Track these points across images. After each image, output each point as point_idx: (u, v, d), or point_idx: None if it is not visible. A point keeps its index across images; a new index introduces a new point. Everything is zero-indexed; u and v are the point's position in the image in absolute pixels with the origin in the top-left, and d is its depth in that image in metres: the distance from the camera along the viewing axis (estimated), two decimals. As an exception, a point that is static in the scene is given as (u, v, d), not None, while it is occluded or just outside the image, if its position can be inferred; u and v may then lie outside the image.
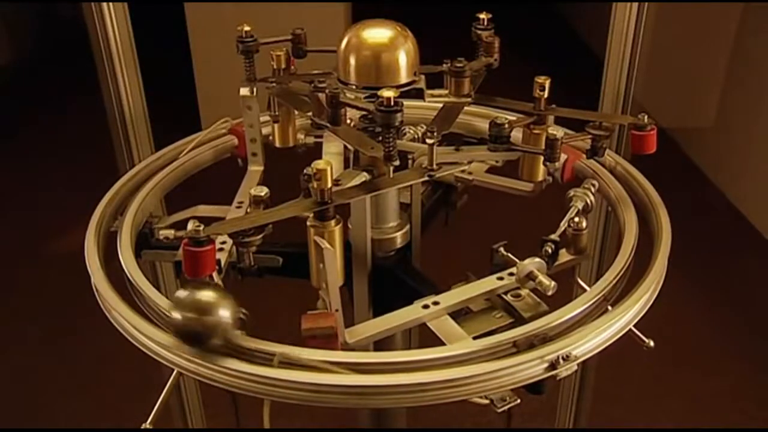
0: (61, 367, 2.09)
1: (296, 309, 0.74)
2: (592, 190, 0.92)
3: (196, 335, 0.69)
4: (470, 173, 1.02)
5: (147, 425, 0.73)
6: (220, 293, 0.69)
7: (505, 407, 0.73)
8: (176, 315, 0.69)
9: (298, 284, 0.84)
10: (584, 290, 0.81)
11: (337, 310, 0.73)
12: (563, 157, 0.94)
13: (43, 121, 3.28)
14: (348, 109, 0.85)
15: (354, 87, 0.87)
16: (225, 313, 0.69)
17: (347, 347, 0.74)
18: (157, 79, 1.61)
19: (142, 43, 1.22)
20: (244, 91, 1.00)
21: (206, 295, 0.69)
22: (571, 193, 0.92)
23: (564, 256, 0.87)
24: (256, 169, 1.06)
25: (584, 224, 0.87)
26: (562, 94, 0.94)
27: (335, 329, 0.71)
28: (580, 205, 0.90)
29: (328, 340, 0.71)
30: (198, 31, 2.95)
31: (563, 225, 0.87)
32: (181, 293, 0.69)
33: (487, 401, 0.74)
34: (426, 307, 0.79)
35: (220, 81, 2.29)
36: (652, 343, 0.83)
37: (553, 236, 0.86)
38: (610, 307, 0.80)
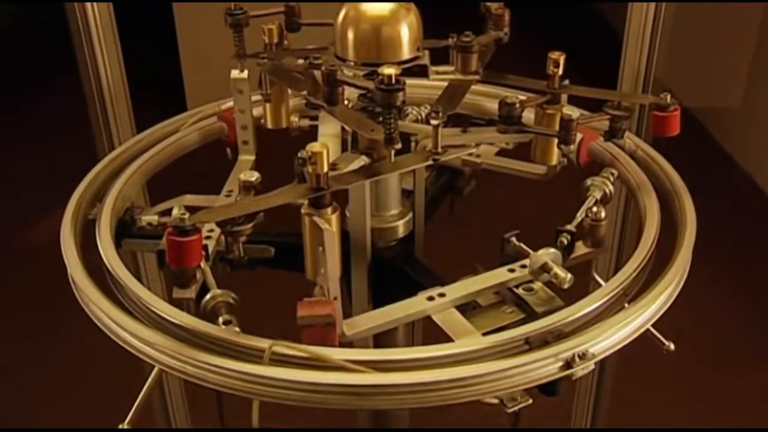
0: (38, 365, 2.10)
1: (289, 303, 0.74)
2: (611, 179, 0.92)
3: None
4: (478, 156, 1.02)
5: (125, 425, 0.73)
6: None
7: (516, 407, 0.73)
8: None
9: (291, 277, 0.84)
10: (600, 286, 0.81)
11: (335, 298, 0.73)
12: (578, 137, 0.94)
13: (17, 101, 3.28)
14: (346, 87, 0.85)
15: (352, 63, 0.87)
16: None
17: (345, 341, 0.74)
18: (139, 55, 1.61)
19: (122, 18, 1.22)
20: (234, 73, 1.00)
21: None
22: (589, 182, 0.91)
23: (580, 248, 0.87)
24: (247, 158, 1.06)
25: (603, 214, 0.86)
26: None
27: (333, 318, 0.71)
28: (598, 195, 0.90)
29: (325, 330, 0.71)
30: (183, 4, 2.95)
31: (580, 215, 0.87)
32: None
33: (496, 401, 0.74)
34: (431, 299, 0.79)
35: (208, 58, 2.29)
36: (672, 346, 0.83)
37: (569, 227, 0.86)
38: (626, 304, 0.80)
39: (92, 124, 1.24)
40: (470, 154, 1.01)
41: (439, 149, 0.81)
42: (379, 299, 0.91)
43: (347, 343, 0.75)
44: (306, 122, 1.05)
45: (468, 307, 0.80)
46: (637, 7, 1.18)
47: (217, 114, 1.09)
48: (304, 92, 0.87)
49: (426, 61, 0.89)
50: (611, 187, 0.91)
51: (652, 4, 1.17)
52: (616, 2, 1.29)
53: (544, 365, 0.71)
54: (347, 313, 0.78)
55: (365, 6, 0.86)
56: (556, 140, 0.87)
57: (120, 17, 1.20)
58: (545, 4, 3.62)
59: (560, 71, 0.91)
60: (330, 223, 0.74)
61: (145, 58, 2.31)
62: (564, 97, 0.93)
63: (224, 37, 1.00)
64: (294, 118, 1.05)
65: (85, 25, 1.17)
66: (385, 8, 0.86)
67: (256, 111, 1.05)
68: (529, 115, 0.93)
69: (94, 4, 1.16)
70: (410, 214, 0.94)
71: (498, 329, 0.76)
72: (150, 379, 0.75)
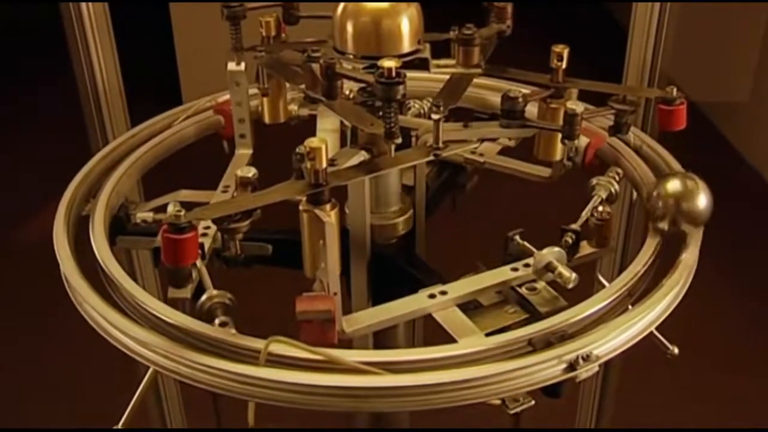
0: (31, 364, 2.10)
1: (287, 302, 0.74)
2: (617, 178, 0.91)
3: None
4: (481, 155, 1.02)
5: (119, 427, 0.73)
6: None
7: (519, 409, 0.73)
8: None
9: (289, 275, 0.84)
10: (604, 287, 0.81)
11: (335, 294, 0.73)
12: (584, 140, 0.93)
13: (13, 99, 3.27)
14: (345, 81, 0.84)
15: (351, 57, 0.86)
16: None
17: (344, 338, 0.73)
18: (133, 48, 1.60)
19: (117, 10, 1.21)
20: (231, 65, 0.99)
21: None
22: (594, 181, 0.91)
23: (585, 248, 0.86)
24: (244, 152, 1.05)
25: (608, 214, 0.86)
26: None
27: (333, 313, 0.70)
28: (603, 194, 0.90)
29: (324, 325, 0.70)
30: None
31: (585, 214, 0.87)
32: None
33: (498, 402, 0.74)
34: (432, 296, 0.78)
35: (204, 51, 2.29)
36: (676, 350, 0.82)
37: (574, 226, 0.85)
38: (631, 305, 0.80)
39: (87, 123, 1.24)
40: (473, 153, 1.01)
41: (441, 144, 0.81)
42: (378, 298, 0.91)
43: (346, 342, 0.74)
44: (305, 111, 1.04)
45: (469, 307, 0.80)
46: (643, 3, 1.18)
47: (213, 107, 1.08)
48: (303, 86, 0.87)
49: (427, 54, 0.89)
50: (617, 186, 0.91)
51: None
52: (624, 1, 1.28)
53: (548, 367, 0.71)
54: (346, 312, 0.78)
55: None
56: (559, 135, 0.87)
57: (117, 16, 1.20)
58: (552, 3, 3.61)
59: (564, 65, 0.91)
60: (329, 220, 0.74)
61: (141, 56, 2.31)
62: (575, 93, 0.93)
63: (221, 33, 0.99)
64: (293, 106, 1.04)
65: (80, 24, 1.17)
66: (385, 1, 0.86)
67: (253, 104, 1.05)
68: (532, 110, 0.92)
69: (90, 4, 1.16)
70: (411, 211, 0.94)
71: (501, 329, 0.76)
72: (145, 380, 0.75)
